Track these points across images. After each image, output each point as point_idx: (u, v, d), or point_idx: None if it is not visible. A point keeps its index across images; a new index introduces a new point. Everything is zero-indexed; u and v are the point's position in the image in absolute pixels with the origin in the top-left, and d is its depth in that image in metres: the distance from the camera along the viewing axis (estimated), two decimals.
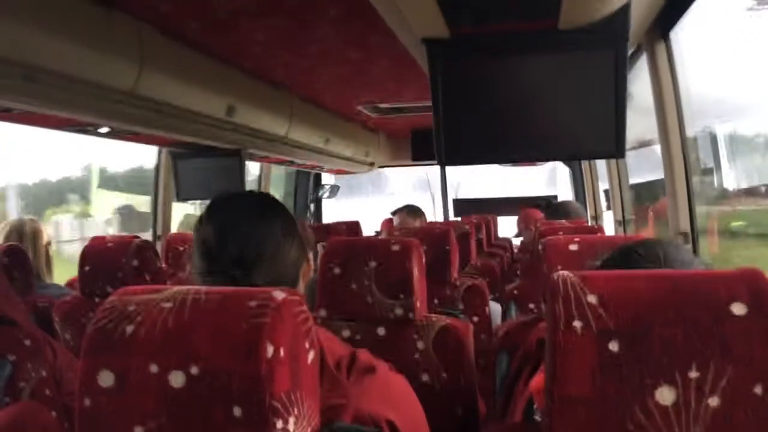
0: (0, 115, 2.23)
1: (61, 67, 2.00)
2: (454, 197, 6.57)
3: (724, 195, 2.91)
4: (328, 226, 4.80)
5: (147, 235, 3.99)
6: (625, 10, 1.50)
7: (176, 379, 0.74)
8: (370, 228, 5.37)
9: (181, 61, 2.63)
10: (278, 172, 6.16)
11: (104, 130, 2.71)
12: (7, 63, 1.82)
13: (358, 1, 2.16)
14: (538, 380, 1.02)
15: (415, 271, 1.69)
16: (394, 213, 4.22)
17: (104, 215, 9.27)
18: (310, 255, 1.20)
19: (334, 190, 6.47)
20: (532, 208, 4.72)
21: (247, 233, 1.08)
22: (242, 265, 1.06)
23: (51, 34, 1.89)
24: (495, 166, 5.88)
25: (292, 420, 0.74)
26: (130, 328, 0.77)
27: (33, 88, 1.96)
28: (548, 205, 5.20)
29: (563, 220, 3.23)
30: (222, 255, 1.06)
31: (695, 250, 2.33)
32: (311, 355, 0.79)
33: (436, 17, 1.48)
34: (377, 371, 1.05)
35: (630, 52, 1.93)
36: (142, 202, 7.06)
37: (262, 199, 1.18)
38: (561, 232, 2.33)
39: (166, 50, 2.50)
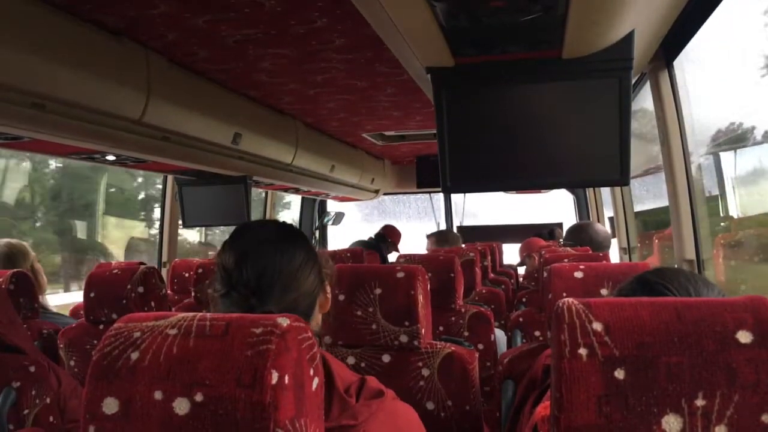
0: (10, 143, 2.25)
1: (70, 96, 2.02)
2: (459, 224, 6.57)
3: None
4: (333, 252, 4.80)
5: None
6: (628, 39, 1.51)
7: (181, 406, 0.74)
8: None
9: (187, 89, 2.65)
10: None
11: (111, 157, 2.74)
12: (17, 91, 1.84)
13: (364, 31, 2.18)
14: (542, 409, 1.01)
15: (420, 299, 1.69)
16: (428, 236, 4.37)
17: None
18: (329, 287, 1.23)
19: (339, 217, 6.48)
20: (533, 237, 4.72)
21: (264, 261, 1.12)
22: (258, 292, 1.09)
23: (60, 62, 1.91)
24: (501, 193, 5.90)
25: None
26: (135, 355, 0.77)
27: (42, 116, 1.98)
28: (550, 232, 5.20)
29: (567, 248, 3.20)
30: (239, 281, 1.10)
31: None
32: (316, 382, 0.78)
33: (441, 47, 1.50)
34: (385, 396, 1.06)
35: (634, 80, 1.94)
36: None
37: (282, 229, 1.21)
38: (566, 260, 2.32)
39: (173, 79, 2.53)
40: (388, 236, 5.57)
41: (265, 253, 1.12)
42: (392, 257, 5.43)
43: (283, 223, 1.24)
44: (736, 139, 2.73)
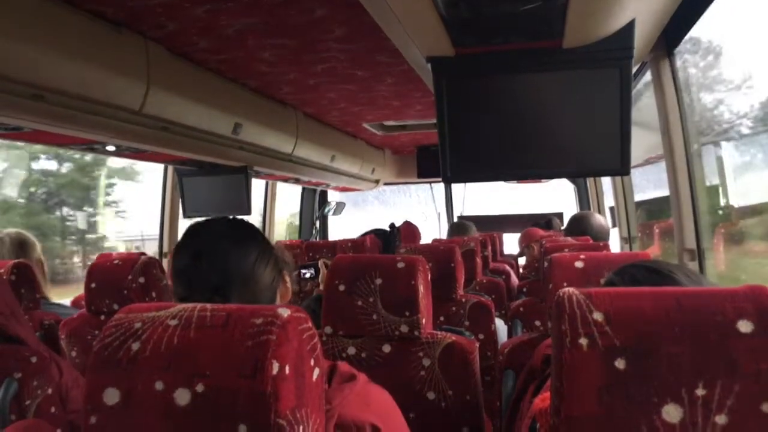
0: (10, 134, 2.24)
1: (70, 86, 2.01)
2: (460, 214, 6.57)
3: None
4: (335, 243, 4.80)
5: None
6: (629, 28, 1.50)
7: (182, 396, 0.74)
8: None
9: (187, 79, 2.64)
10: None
11: (111, 148, 2.73)
12: (17, 82, 1.84)
13: (364, 21, 2.18)
14: (539, 401, 1.01)
15: (421, 289, 1.69)
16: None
17: None
18: (287, 276, 1.24)
19: (340, 207, 6.47)
20: (531, 227, 4.71)
21: (222, 259, 1.12)
22: (219, 290, 1.10)
23: (59, 53, 1.90)
24: (501, 183, 5.89)
25: None
26: (135, 346, 0.77)
27: (42, 106, 1.98)
28: (547, 222, 5.19)
29: (569, 238, 3.20)
30: (198, 281, 1.11)
31: (701, 267, 2.32)
32: (317, 372, 0.78)
33: (442, 36, 1.50)
34: (357, 380, 1.06)
35: (634, 69, 1.93)
36: None
37: (235, 224, 1.22)
38: (566, 249, 2.32)
39: (173, 69, 2.52)
40: (400, 230, 5.58)
41: (220, 251, 1.13)
42: None
43: (234, 218, 1.24)
44: None
